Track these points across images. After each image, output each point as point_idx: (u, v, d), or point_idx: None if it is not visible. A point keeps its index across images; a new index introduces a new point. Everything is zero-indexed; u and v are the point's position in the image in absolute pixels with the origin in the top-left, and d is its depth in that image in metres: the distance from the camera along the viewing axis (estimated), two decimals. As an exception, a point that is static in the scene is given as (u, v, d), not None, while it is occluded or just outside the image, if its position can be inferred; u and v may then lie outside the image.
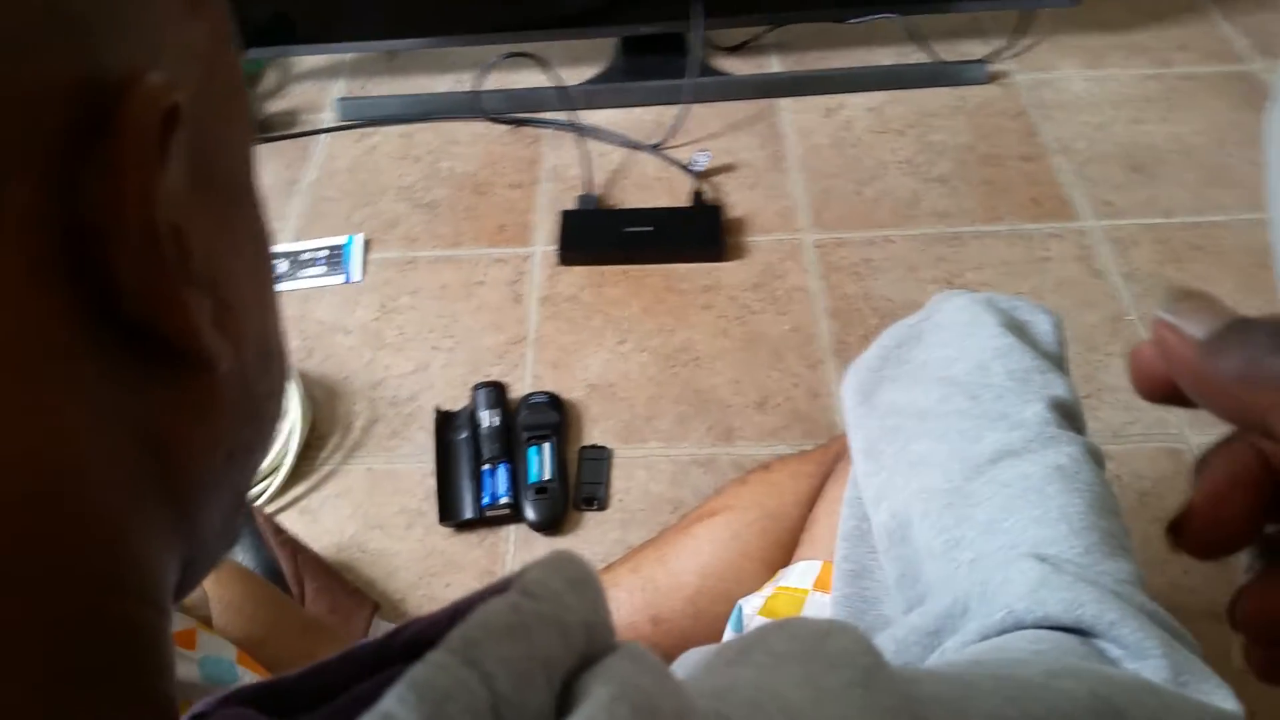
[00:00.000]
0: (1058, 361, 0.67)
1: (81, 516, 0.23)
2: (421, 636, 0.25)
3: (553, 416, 1.29)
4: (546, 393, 1.32)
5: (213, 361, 0.25)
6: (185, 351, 0.25)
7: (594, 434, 1.31)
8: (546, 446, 1.26)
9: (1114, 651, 0.47)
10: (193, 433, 0.26)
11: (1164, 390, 0.28)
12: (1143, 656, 0.46)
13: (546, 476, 1.23)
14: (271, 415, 0.32)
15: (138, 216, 0.23)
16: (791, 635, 0.32)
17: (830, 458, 0.91)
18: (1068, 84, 1.77)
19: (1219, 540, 0.27)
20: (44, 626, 0.22)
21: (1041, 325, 0.70)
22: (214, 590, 0.89)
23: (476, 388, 1.31)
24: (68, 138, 0.22)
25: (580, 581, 0.24)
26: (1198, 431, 1.26)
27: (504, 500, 1.21)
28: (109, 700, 0.23)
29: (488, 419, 1.28)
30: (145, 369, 0.25)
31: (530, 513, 1.21)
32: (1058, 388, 0.63)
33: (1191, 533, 0.27)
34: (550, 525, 1.21)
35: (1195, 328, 0.27)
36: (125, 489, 0.24)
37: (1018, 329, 0.68)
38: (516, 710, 0.21)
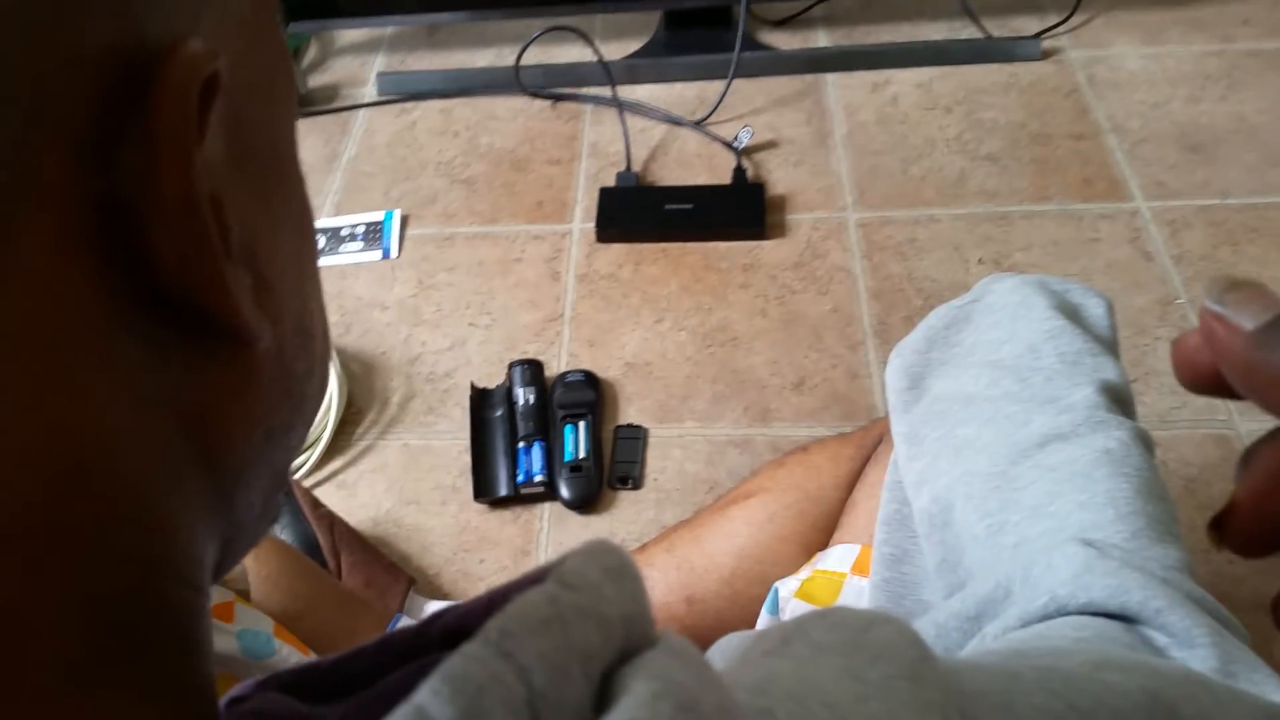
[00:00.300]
0: (1109, 345, 0.66)
1: (116, 495, 0.22)
2: (458, 625, 0.25)
3: (589, 395, 1.28)
4: (583, 371, 1.30)
5: (252, 338, 0.25)
6: (224, 328, 0.24)
7: (630, 413, 1.29)
8: (582, 425, 1.25)
9: (1160, 639, 0.45)
10: (230, 411, 0.26)
11: (1209, 381, 0.27)
12: (1190, 645, 0.44)
13: (581, 455, 1.22)
14: (311, 394, 0.32)
15: (175, 189, 0.22)
16: (833, 625, 0.31)
17: (870, 441, 0.89)
18: (1123, 61, 1.72)
19: (1263, 538, 0.26)
20: (81, 605, 0.21)
21: (1094, 309, 0.68)
22: (252, 564, 0.89)
23: (513, 365, 1.30)
24: (104, 107, 0.21)
25: (619, 572, 0.24)
26: (1247, 419, 1.22)
27: (539, 478, 1.20)
28: (146, 680, 0.23)
29: (524, 396, 1.27)
30: (182, 346, 0.24)
31: (565, 491, 1.20)
32: (1109, 371, 0.62)
33: (1234, 530, 0.26)
34: (584, 504, 1.20)
35: (1244, 319, 0.26)
36: (162, 468, 0.24)
37: (1070, 312, 0.66)
38: (553, 705, 0.20)
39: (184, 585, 0.25)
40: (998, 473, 0.58)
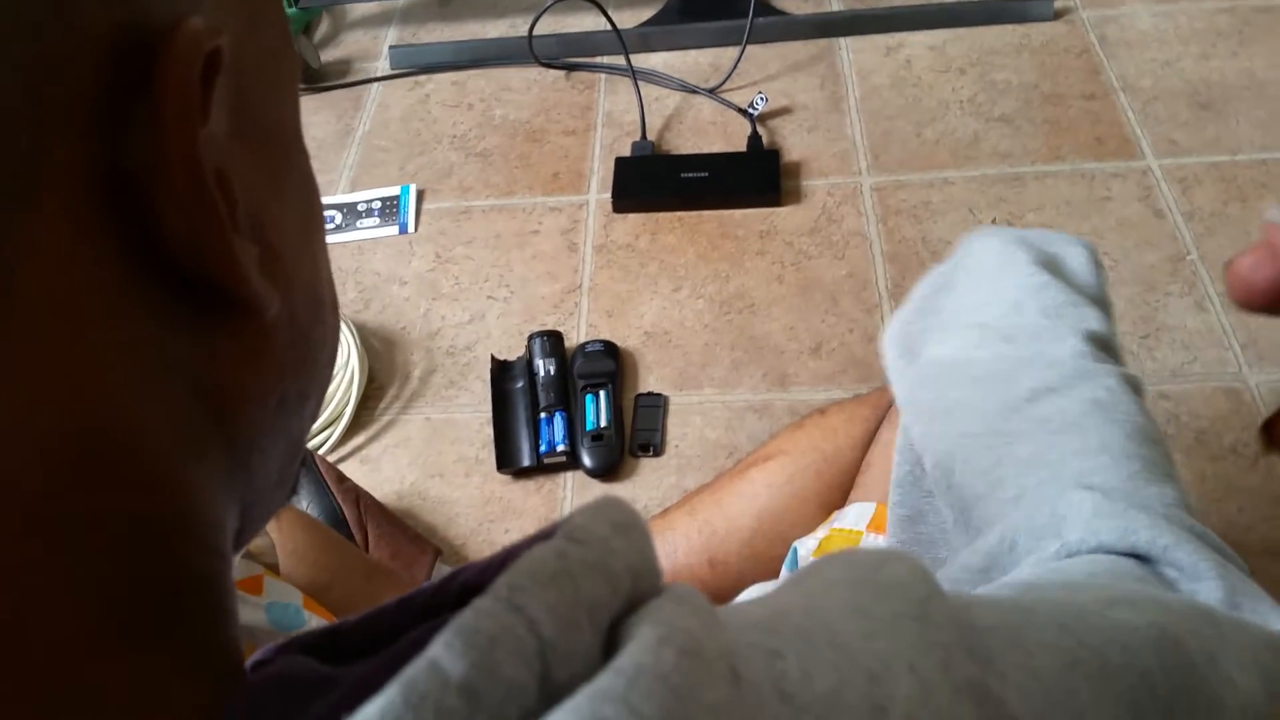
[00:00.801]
0: (1094, 293, 0.66)
1: (137, 463, 0.23)
2: (475, 582, 0.25)
3: (608, 364, 1.29)
4: (602, 340, 1.32)
5: (261, 307, 0.26)
6: (234, 298, 0.25)
7: (649, 381, 1.31)
8: (602, 394, 1.26)
9: (1170, 574, 0.46)
10: (244, 380, 0.26)
11: (1264, 296, 0.28)
12: (1198, 579, 0.45)
13: (603, 424, 1.23)
14: (324, 363, 0.32)
15: (182, 164, 0.23)
16: (848, 564, 0.32)
17: (886, 401, 0.91)
18: (1134, 20, 1.72)
19: None
20: (107, 570, 0.22)
21: (1076, 258, 0.68)
22: (279, 537, 0.91)
23: (532, 337, 1.32)
24: (109, 86, 0.22)
25: (626, 526, 0.24)
26: (1257, 371, 1.23)
27: (561, 447, 1.22)
28: (174, 643, 0.24)
29: (544, 367, 1.28)
30: (195, 317, 0.25)
31: (587, 460, 1.22)
32: (1092, 321, 0.62)
33: None
34: (606, 472, 1.22)
35: None
36: (179, 436, 0.24)
37: (1051, 264, 0.66)
38: (562, 655, 0.21)
39: (207, 552, 0.26)
40: (990, 430, 0.59)
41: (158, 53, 0.22)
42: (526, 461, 1.23)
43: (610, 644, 0.23)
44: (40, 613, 0.21)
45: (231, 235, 0.24)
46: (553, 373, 1.28)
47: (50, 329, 0.21)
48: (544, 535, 0.24)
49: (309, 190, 0.31)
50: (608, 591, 0.23)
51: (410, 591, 0.28)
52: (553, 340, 1.32)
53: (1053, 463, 0.55)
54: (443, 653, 0.20)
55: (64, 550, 0.21)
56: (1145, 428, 0.57)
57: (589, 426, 1.24)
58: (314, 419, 0.33)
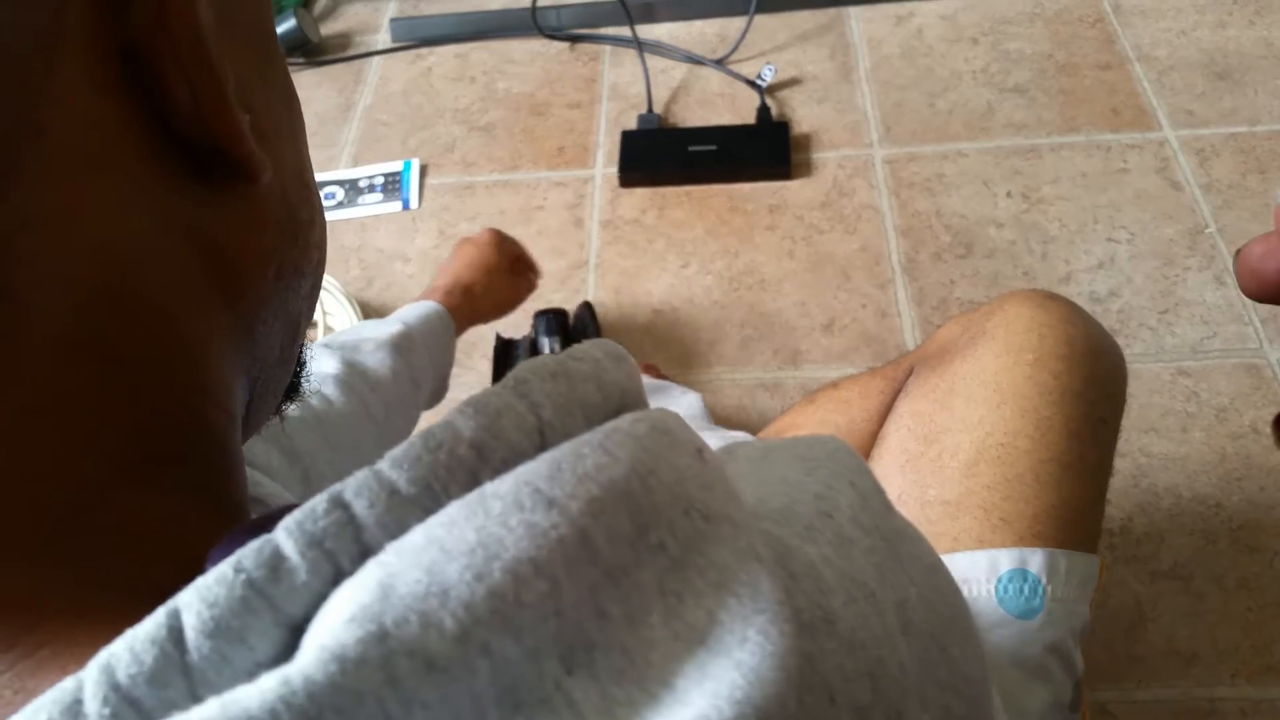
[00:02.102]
0: None
1: (151, 314, 0.26)
2: None
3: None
4: (585, 304, 1.30)
5: (256, 170, 0.28)
6: (232, 160, 0.27)
7: (657, 359, 1.29)
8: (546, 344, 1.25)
9: None
10: (243, 243, 0.29)
11: (1277, 287, 0.27)
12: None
13: None
14: (315, 243, 0.34)
15: (184, 33, 0.25)
16: (782, 444, 0.34)
17: (901, 373, 0.89)
18: (1149, -13, 1.69)
19: None
20: (128, 411, 0.25)
21: None
22: None
23: (537, 315, 1.29)
24: None
25: (617, 356, 0.27)
26: (1279, 346, 1.21)
27: None
28: (188, 485, 0.27)
29: (548, 346, 1.26)
30: (199, 181, 0.27)
31: None
32: None
33: None
34: None
35: None
36: (189, 293, 0.27)
37: None
38: (559, 433, 0.24)
39: (217, 408, 0.29)
40: None
41: None
42: None
43: None
44: (62, 439, 0.24)
45: (230, 99, 0.26)
46: (558, 351, 1.24)
47: (77, 179, 0.24)
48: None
49: (289, 89, 0.34)
50: (600, 398, 0.25)
51: None
52: (558, 319, 1.29)
53: None
54: (457, 417, 0.23)
55: (95, 387, 0.25)
56: None
57: None
58: (311, 306, 0.36)
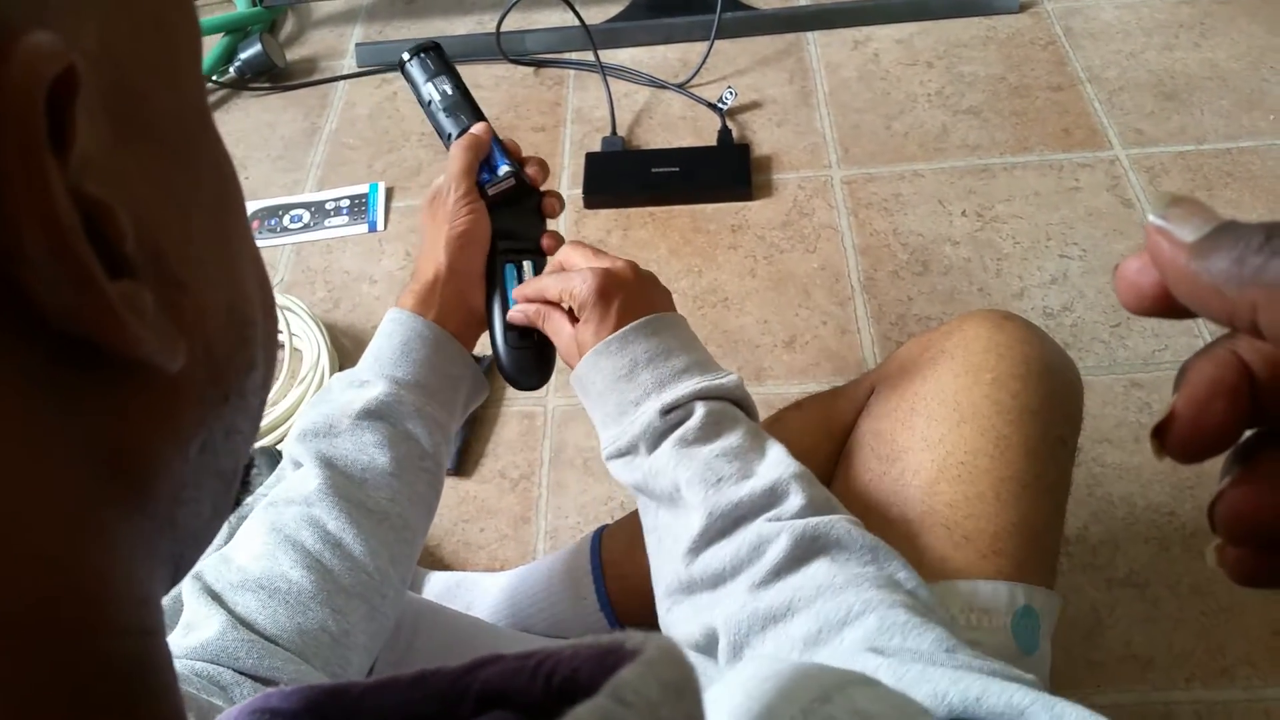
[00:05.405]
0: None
1: (31, 570, 0.20)
2: (500, 686, 0.25)
3: (536, 226, 0.92)
4: (509, 163, 0.92)
5: (160, 363, 0.22)
6: (130, 359, 0.22)
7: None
8: (528, 266, 0.89)
9: None
10: (152, 439, 0.24)
11: (1153, 301, 0.28)
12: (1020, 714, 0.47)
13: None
14: (256, 388, 0.29)
15: (36, 230, 0.19)
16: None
17: (862, 393, 0.91)
18: (1098, 12, 1.73)
19: (1199, 445, 0.27)
20: (29, 677, 0.20)
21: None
22: None
23: (403, 64, 0.95)
24: None
25: (679, 688, 0.23)
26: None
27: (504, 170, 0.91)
28: None
29: (436, 90, 0.93)
30: (86, 381, 0.22)
31: (506, 362, 0.86)
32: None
33: (1173, 438, 0.27)
34: (534, 384, 0.87)
35: (1186, 231, 0.27)
36: (84, 524, 0.22)
37: None
38: None
39: (126, 635, 0.23)
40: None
41: None
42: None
43: None
44: None
45: (110, 295, 0.20)
46: (450, 92, 0.92)
47: None
48: (594, 655, 0.24)
49: (222, 180, 0.27)
50: None
51: (425, 671, 0.27)
52: (436, 56, 0.94)
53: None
54: None
55: None
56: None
57: (512, 303, 0.85)
58: (250, 443, 0.30)
